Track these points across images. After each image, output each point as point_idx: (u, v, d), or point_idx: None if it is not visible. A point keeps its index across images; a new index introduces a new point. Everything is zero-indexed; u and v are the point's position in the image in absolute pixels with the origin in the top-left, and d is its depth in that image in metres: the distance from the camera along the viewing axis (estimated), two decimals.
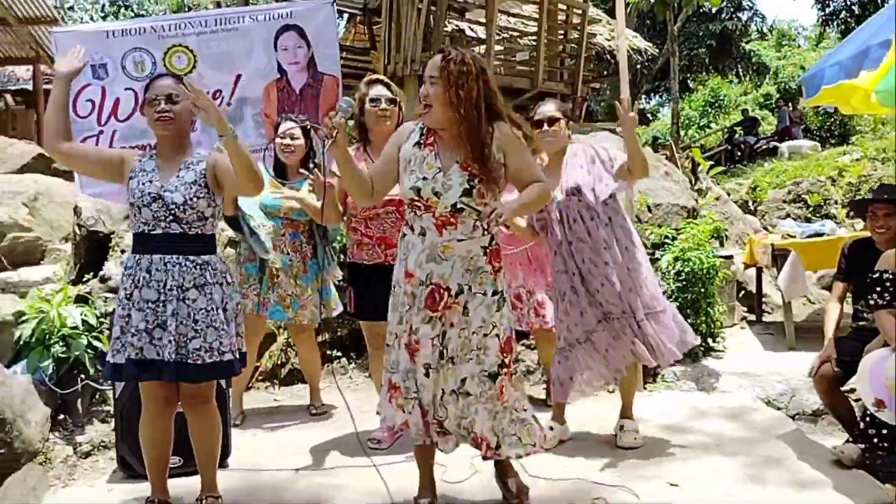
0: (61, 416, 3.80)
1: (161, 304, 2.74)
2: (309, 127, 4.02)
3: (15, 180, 6.24)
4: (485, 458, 2.86)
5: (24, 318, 3.86)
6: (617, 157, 3.54)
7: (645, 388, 4.58)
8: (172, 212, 2.76)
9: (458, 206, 2.66)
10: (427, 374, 2.73)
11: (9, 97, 15.91)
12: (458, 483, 3.11)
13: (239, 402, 4.25)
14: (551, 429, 3.68)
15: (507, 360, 2.78)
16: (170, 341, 2.72)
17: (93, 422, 3.85)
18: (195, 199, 2.79)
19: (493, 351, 2.75)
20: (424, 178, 2.67)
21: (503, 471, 2.96)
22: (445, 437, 2.81)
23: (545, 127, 3.51)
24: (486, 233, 2.75)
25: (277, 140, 4.11)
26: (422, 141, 2.73)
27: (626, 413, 3.72)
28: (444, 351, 2.74)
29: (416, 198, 2.69)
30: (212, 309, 2.78)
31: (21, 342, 3.82)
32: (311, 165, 3.18)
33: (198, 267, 2.79)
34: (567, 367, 3.58)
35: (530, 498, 3.01)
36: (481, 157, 2.65)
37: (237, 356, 2.86)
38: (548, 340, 4.35)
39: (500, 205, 2.66)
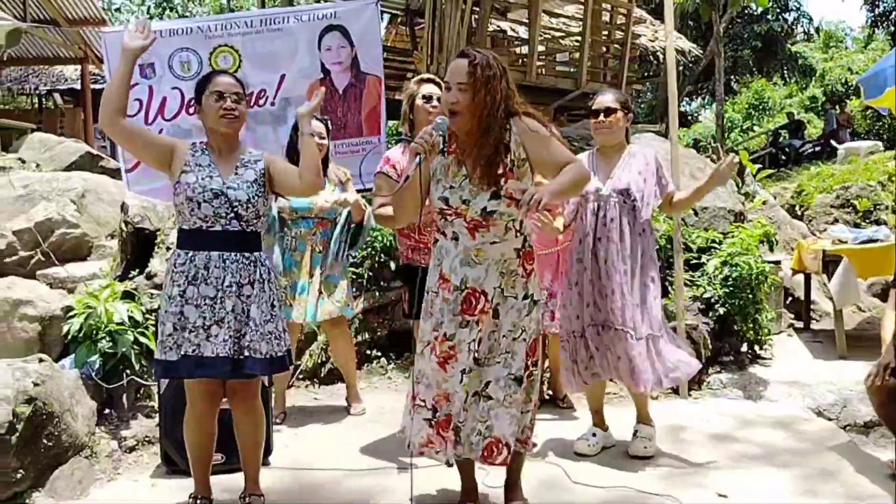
0: (107, 411, 3.85)
1: (219, 301, 2.75)
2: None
3: (63, 178, 6.37)
4: (501, 464, 2.74)
5: (72, 313, 3.92)
6: (670, 179, 3.52)
7: (690, 396, 4.49)
8: (235, 209, 2.78)
9: (488, 209, 2.63)
10: (461, 380, 2.69)
11: (57, 96, 16.29)
12: (499, 488, 3.05)
13: (282, 401, 4.27)
14: (594, 435, 3.62)
15: (530, 365, 2.75)
16: (228, 338, 2.73)
17: (137, 417, 3.89)
18: (257, 198, 2.82)
19: (520, 355, 2.72)
20: (451, 188, 2.64)
21: (513, 493, 2.88)
22: (455, 445, 2.72)
23: (601, 117, 3.43)
24: (518, 234, 2.71)
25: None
26: (445, 148, 2.66)
27: (641, 418, 3.60)
28: (478, 357, 2.71)
29: (446, 207, 2.66)
30: (265, 305, 2.80)
31: (69, 337, 3.87)
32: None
33: (252, 264, 2.81)
34: (569, 361, 3.51)
35: None
36: (494, 161, 2.60)
37: (287, 350, 2.87)
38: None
39: (535, 189, 2.54)
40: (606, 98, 3.47)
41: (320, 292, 4.04)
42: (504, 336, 2.70)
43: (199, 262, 2.76)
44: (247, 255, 2.81)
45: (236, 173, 2.83)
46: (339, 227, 4.10)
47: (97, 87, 12.19)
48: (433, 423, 2.71)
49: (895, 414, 3.58)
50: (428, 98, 3.60)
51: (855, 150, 13.59)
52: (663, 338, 3.44)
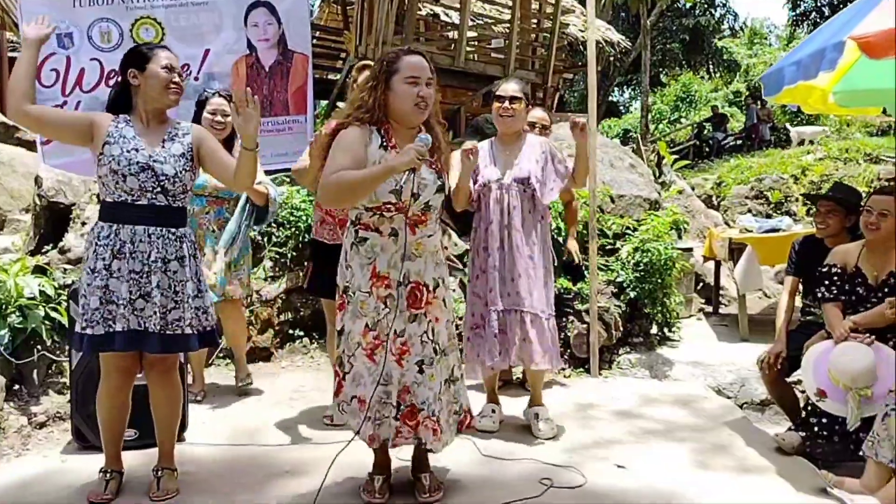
0: (16, 387, 3.78)
1: (145, 276, 2.74)
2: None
3: None
4: (468, 426, 3.02)
5: None
6: (569, 161, 3.64)
7: (600, 374, 4.68)
8: (161, 183, 2.76)
9: (430, 203, 2.74)
10: (422, 371, 2.76)
11: None
12: (408, 461, 3.12)
13: (201, 380, 4.27)
14: (493, 412, 3.75)
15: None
16: (154, 312, 2.74)
17: (48, 393, 3.84)
18: (184, 173, 2.80)
19: (454, 334, 2.94)
20: (405, 183, 2.65)
21: (420, 464, 2.97)
22: (440, 435, 2.80)
23: (506, 104, 3.54)
24: (439, 226, 2.89)
25: (207, 115, 3.98)
26: (385, 144, 2.71)
27: (537, 401, 3.73)
28: (437, 345, 2.79)
29: (394, 201, 2.68)
30: (191, 280, 2.81)
31: None
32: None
33: (178, 239, 2.81)
34: (476, 347, 3.60)
35: (481, 476, 3.08)
36: (439, 147, 2.80)
37: (207, 328, 2.89)
38: None
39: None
40: (511, 86, 3.59)
41: (222, 271, 3.98)
42: (451, 322, 2.87)
43: (125, 236, 2.74)
44: (172, 230, 2.80)
45: (163, 146, 2.80)
46: (239, 209, 4.01)
47: (14, 55, 11.68)
48: (398, 416, 2.77)
49: (784, 394, 3.85)
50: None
51: (805, 134, 14.37)
52: (552, 319, 3.61)
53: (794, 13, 23.53)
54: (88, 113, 2.99)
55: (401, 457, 3.14)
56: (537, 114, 4.27)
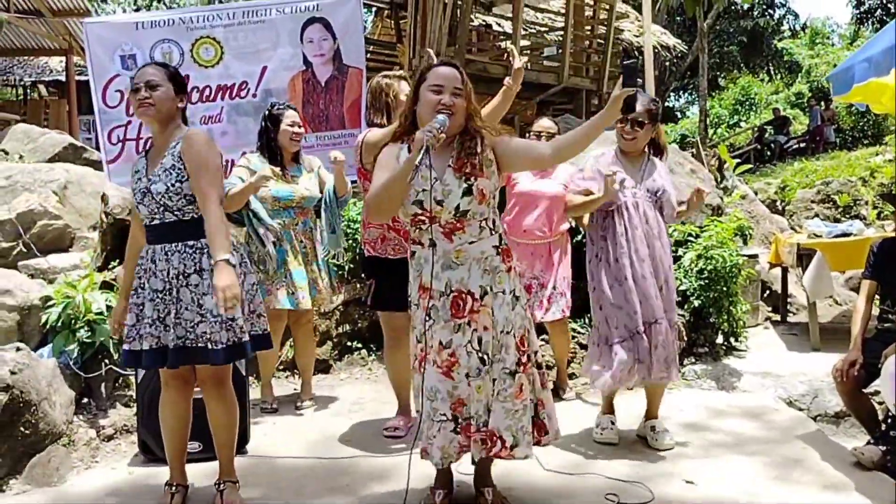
0: (85, 400, 3.88)
1: (167, 293, 2.78)
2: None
3: (46, 169, 6.34)
4: (497, 456, 2.75)
5: (50, 302, 3.94)
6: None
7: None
8: (160, 202, 2.78)
9: (461, 208, 2.67)
10: (469, 384, 2.70)
11: (42, 87, 16.21)
12: (471, 475, 3.07)
13: (269, 390, 4.32)
14: (612, 423, 3.70)
15: (523, 358, 2.76)
16: (176, 327, 2.76)
17: (115, 406, 3.92)
18: (177, 184, 2.76)
19: (511, 349, 2.75)
20: (424, 190, 2.65)
21: (482, 479, 2.92)
22: (495, 440, 2.71)
23: (630, 127, 3.48)
24: (493, 232, 2.76)
25: (287, 128, 4.10)
26: (430, 156, 2.65)
27: (653, 412, 3.69)
28: (486, 356, 2.71)
29: (420, 211, 2.67)
30: (204, 295, 2.76)
31: (48, 326, 3.90)
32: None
33: (197, 251, 2.79)
34: (607, 360, 3.50)
35: (546, 491, 3.01)
36: (470, 152, 2.70)
37: (248, 338, 2.84)
38: (562, 333, 4.37)
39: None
40: (639, 109, 3.45)
41: (309, 281, 4.13)
42: (501, 332, 2.73)
43: (149, 257, 2.82)
44: (190, 242, 2.79)
45: (160, 164, 2.81)
46: (323, 208, 4.15)
47: (81, 78, 12.13)
48: (458, 430, 2.73)
49: (861, 405, 3.68)
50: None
51: None
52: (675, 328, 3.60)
53: (857, 11, 22.83)
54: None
55: (462, 471, 3.11)
56: (544, 123, 4.29)
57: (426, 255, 2.72)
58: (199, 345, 2.77)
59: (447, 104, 2.65)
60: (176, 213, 2.79)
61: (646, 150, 3.63)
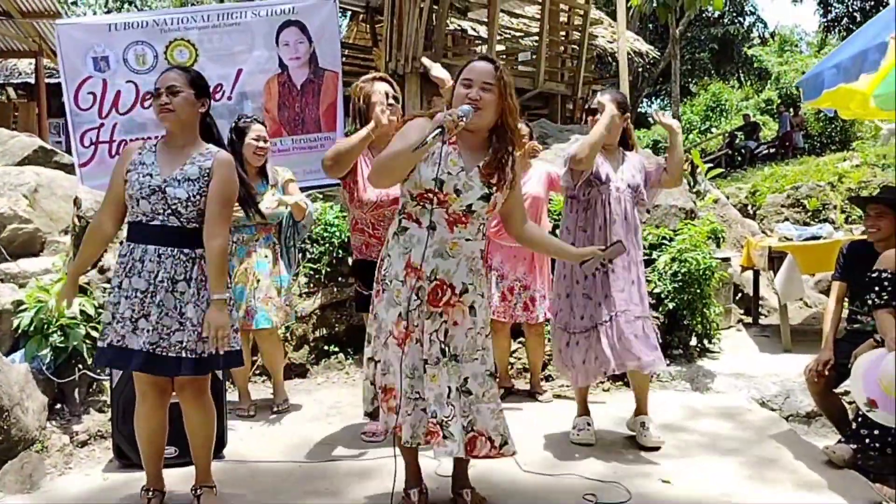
0: (58, 406, 3.82)
1: (149, 295, 2.75)
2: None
3: (16, 172, 6.25)
4: (486, 457, 2.79)
5: (22, 307, 3.88)
6: (654, 164, 3.74)
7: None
8: (173, 206, 2.75)
9: (472, 207, 2.69)
10: (424, 370, 2.72)
11: (11, 90, 15.94)
12: (448, 477, 3.09)
13: (247, 395, 4.30)
14: (588, 424, 3.71)
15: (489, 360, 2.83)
16: (149, 332, 2.72)
17: (89, 411, 3.86)
18: (197, 196, 2.77)
19: (490, 351, 2.81)
20: (449, 174, 2.67)
21: (460, 480, 2.93)
22: (442, 440, 2.68)
23: (595, 117, 3.57)
24: (483, 237, 2.81)
25: (251, 142, 4.08)
26: (445, 139, 2.67)
27: (643, 409, 3.71)
28: (447, 348, 2.73)
29: (436, 190, 2.67)
30: (199, 303, 2.76)
31: (20, 331, 3.84)
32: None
33: (191, 261, 2.78)
34: (577, 351, 3.55)
35: (524, 492, 3.03)
36: (501, 164, 2.71)
37: (213, 353, 2.78)
38: (538, 336, 4.41)
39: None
40: (604, 98, 3.58)
41: (269, 297, 4.07)
42: (479, 333, 2.76)
43: (136, 255, 2.77)
44: (186, 251, 2.78)
45: (181, 169, 2.79)
46: (283, 230, 4.18)
47: (52, 81, 11.96)
48: (412, 407, 2.73)
49: (831, 405, 3.75)
50: (388, 96, 3.59)
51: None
52: (650, 319, 3.60)
53: (824, 19, 23.27)
54: (116, 165, 2.92)
55: (441, 472, 3.12)
56: None
57: (420, 236, 2.71)
58: (171, 354, 2.73)
59: (474, 98, 2.66)
60: (182, 220, 2.77)
61: (619, 148, 3.68)
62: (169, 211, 2.76)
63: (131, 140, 5.14)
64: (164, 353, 2.73)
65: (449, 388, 2.71)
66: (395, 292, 2.74)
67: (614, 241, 3.11)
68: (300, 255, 4.36)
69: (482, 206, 2.70)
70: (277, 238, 4.21)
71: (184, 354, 2.74)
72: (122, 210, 2.88)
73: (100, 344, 2.82)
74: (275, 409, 4.27)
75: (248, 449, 3.66)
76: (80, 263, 2.95)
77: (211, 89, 5.32)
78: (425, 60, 3.93)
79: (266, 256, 4.09)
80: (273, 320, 4.08)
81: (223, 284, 2.74)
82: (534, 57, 9.12)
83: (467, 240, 2.73)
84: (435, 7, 7.21)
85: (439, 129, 2.54)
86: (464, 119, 2.60)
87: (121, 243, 2.89)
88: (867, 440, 3.30)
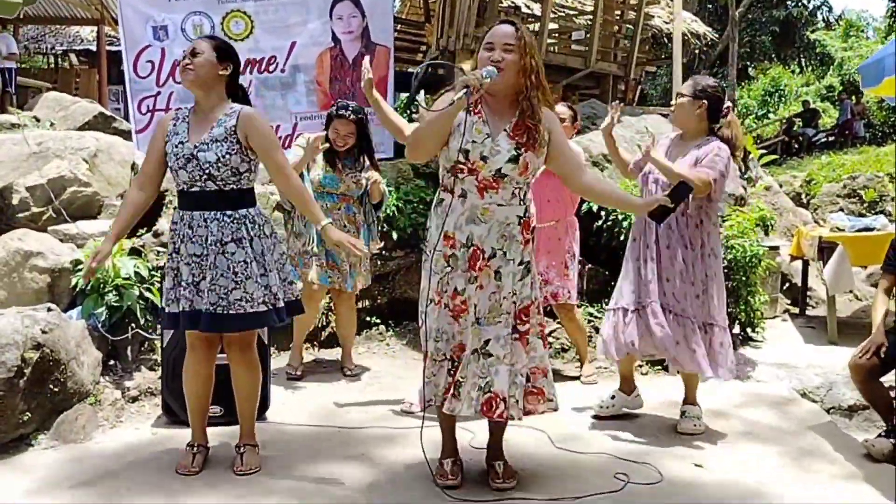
0: (112, 362, 3.98)
1: (203, 258, 2.87)
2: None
3: (76, 137, 6.46)
4: (499, 417, 2.80)
5: (80, 266, 4.04)
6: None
7: (678, 373, 4.57)
8: (206, 170, 2.84)
9: (502, 171, 2.73)
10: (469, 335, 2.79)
11: (73, 57, 16.36)
12: (483, 449, 3.14)
13: (299, 354, 4.44)
14: (612, 398, 3.77)
15: (521, 327, 2.82)
16: (209, 293, 2.85)
17: (140, 369, 4.03)
18: (227, 156, 2.85)
19: (513, 316, 2.82)
20: (474, 142, 2.73)
21: (494, 452, 2.99)
22: (450, 398, 2.79)
23: (672, 102, 3.55)
24: (521, 203, 2.82)
25: (332, 134, 4.18)
26: (469, 108, 2.74)
27: (689, 399, 3.71)
28: (473, 310, 2.80)
29: (463, 160, 2.73)
30: (250, 261, 2.88)
31: (77, 289, 4.01)
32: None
33: (235, 221, 2.89)
34: (615, 326, 3.57)
35: (555, 468, 3.08)
36: (533, 122, 2.74)
37: (274, 306, 2.94)
38: (567, 317, 4.40)
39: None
40: (682, 86, 3.51)
41: (352, 264, 4.26)
42: (505, 297, 2.80)
43: (185, 222, 2.90)
44: (228, 213, 2.88)
45: (209, 133, 2.87)
46: (365, 207, 4.33)
47: (113, 48, 12.24)
48: (452, 372, 2.81)
49: (878, 394, 3.67)
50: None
51: None
52: (725, 331, 3.57)
53: (893, 4, 22.32)
54: (152, 137, 3.04)
55: (475, 445, 3.18)
56: (558, 109, 4.16)
57: (454, 204, 2.78)
58: (231, 311, 2.85)
59: (496, 60, 2.69)
60: (219, 182, 2.87)
61: (699, 133, 3.51)
62: (205, 176, 2.85)
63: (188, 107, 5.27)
64: (224, 312, 2.85)
65: (471, 349, 2.78)
66: (434, 261, 2.81)
67: (677, 185, 3.02)
68: (379, 228, 4.48)
69: (512, 169, 2.73)
70: (359, 210, 4.32)
71: (247, 309, 2.86)
72: (155, 180, 2.99)
73: (169, 308, 2.93)
74: (346, 373, 4.45)
75: (290, 412, 3.78)
76: (117, 231, 3.00)
77: (265, 60, 5.51)
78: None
79: (345, 226, 4.19)
80: (353, 283, 4.27)
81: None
82: (587, 36, 9.01)
83: (499, 205, 2.76)
84: None
85: (465, 90, 2.58)
86: (488, 79, 2.63)
87: (174, 209, 3.01)
88: None
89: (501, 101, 2.79)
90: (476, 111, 2.77)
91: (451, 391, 2.78)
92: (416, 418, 3.61)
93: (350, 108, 4.22)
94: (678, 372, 3.70)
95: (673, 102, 3.58)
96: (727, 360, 3.57)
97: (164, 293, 2.97)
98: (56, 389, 3.38)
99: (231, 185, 2.89)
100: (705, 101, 3.45)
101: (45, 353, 3.32)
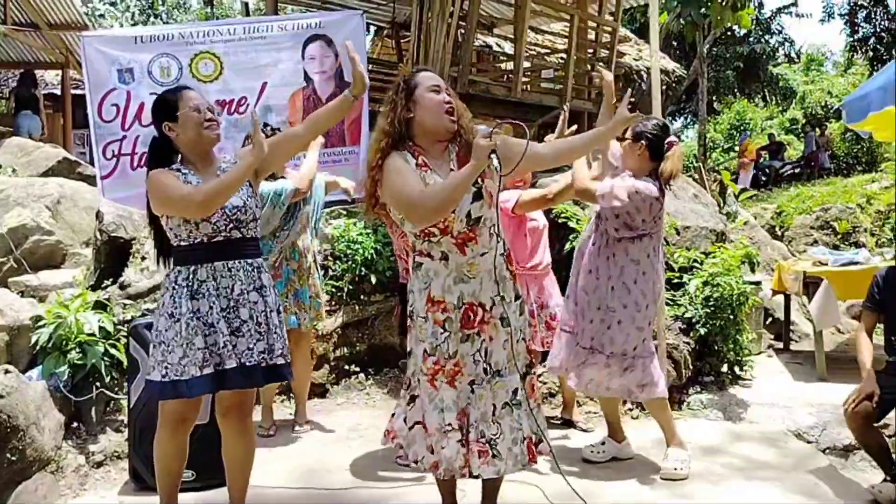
0: (75, 424, 3.75)
1: (233, 311, 2.70)
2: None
3: (39, 183, 6.25)
4: (538, 455, 2.73)
5: (41, 322, 3.82)
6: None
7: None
8: (234, 216, 2.72)
9: (472, 215, 2.59)
10: (473, 391, 2.65)
11: None
12: None
13: (270, 414, 4.22)
14: (602, 444, 3.74)
15: (532, 360, 2.79)
16: (252, 346, 2.70)
17: (106, 431, 3.79)
18: (249, 199, 2.78)
19: (523, 354, 2.75)
20: None
21: (490, 496, 2.83)
22: (491, 459, 2.62)
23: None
24: (499, 238, 2.69)
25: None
26: (417, 164, 2.63)
27: (669, 440, 3.65)
28: (489, 366, 2.66)
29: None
30: (271, 311, 2.77)
31: (38, 347, 3.78)
32: None
33: (255, 270, 2.77)
34: (573, 356, 3.57)
35: None
36: (469, 150, 2.58)
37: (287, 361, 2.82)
38: None
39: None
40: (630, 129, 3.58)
41: (316, 296, 4.11)
42: (518, 340, 2.70)
43: (203, 276, 2.69)
44: (250, 261, 2.77)
45: None
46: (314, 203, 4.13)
47: (77, 92, 12.03)
48: (463, 441, 2.64)
49: (873, 440, 3.57)
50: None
51: None
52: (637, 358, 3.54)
53: (851, 39, 22.96)
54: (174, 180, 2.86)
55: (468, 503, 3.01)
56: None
57: (436, 268, 2.64)
58: (253, 363, 2.70)
59: (448, 101, 2.62)
60: (243, 229, 2.75)
61: (649, 171, 3.54)
62: (231, 225, 2.72)
63: None
64: (250, 364, 2.69)
65: (494, 405, 2.65)
66: (418, 329, 2.68)
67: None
68: (321, 271, 4.31)
69: (480, 207, 2.61)
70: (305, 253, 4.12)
71: (270, 363, 2.72)
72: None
73: (189, 376, 2.61)
74: (295, 429, 4.17)
75: (267, 473, 3.56)
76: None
77: (235, 102, 5.37)
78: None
79: (304, 256, 4.05)
80: (307, 319, 4.08)
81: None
82: (555, 73, 9.05)
83: (482, 254, 2.63)
84: (462, 23, 7.14)
85: (493, 153, 2.49)
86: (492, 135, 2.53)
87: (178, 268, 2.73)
88: None
89: (435, 144, 2.67)
90: (421, 165, 2.62)
91: (488, 454, 2.61)
92: (403, 476, 3.43)
93: (275, 128, 4.14)
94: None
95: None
96: (646, 388, 3.55)
97: (165, 361, 2.63)
98: (14, 458, 3.14)
99: (251, 233, 2.80)
100: (643, 143, 3.53)
101: (2, 419, 3.09)
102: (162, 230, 2.76)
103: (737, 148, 19.63)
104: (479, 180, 2.60)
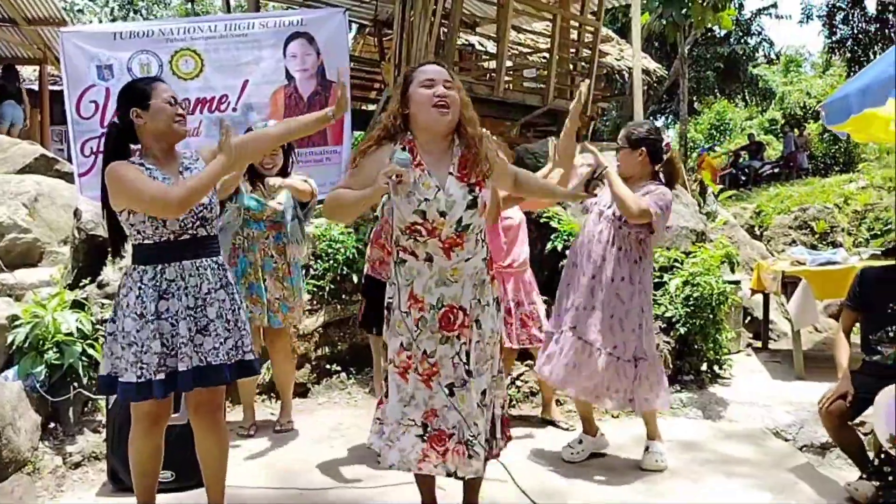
0: (52, 425, 3.70)
1: (200, 310, 2.65)
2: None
3: (16, 181, 6.17)
4: (496, 456, 2.79)
5: (17, 322, 3.77)
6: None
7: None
8: (200, 214, 2.68)
9: (463, 222, 2.59)
10: (452, 394, 2.64)
11: None
12: None
13: (251, 413, 4.19)
14: (580, 442, 3.75)
15: (502, 359, 2.83)
16: (219, 344, 2.66)
17: (84, 431, 3.74)
18: (214, 197, 2.76)
19: (497, 357, 2.77)
20: (427, 200, 2.56)
21: (470, 493, 2.84)
22: (468, 460, 2.62)
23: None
24: (483, 245, 2.71)
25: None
26: (410, 164, 2.57)
27: (651, 434, 3.69)
28: (471, 370, 2.65)
29: (421, 221, 2.57)
30: (237, 308, 2.75)
31: (14, 347, 3.73)
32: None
33: (220, 268, 2.75)
34: (559, 353, 3.56)
35: None
36: (474, 156, 2.62)
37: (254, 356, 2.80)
38: None
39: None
40: (619, 136, 3.63)
41: (279, 298, 3.97)
42: (487, 343, 2.69)
43: (171, 275, 2.63)
44: (214, 258, 2.74)
45: (184, 178, 2.68)
46: (289, 218, 3.98)
47: (55, 88, 11.88)
48: (425, 438, 2.63)
49: (848, 438, 3.61)
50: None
51: None
52: (648, 362, 3.54)
53: (830, 41, 23.23)
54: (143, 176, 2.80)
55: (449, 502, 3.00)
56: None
57: (420, 268, 2.63)
58: (218, 362, 2.64)
59: (442, 95, 2.57)
60: (208, 227, 2.72)
61: (642, 178, 3.57)
62: (198, 222, 2.68)
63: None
64: (213, 363, 2.64)
65: (474, 405, 2.65)
66: (396, 323, 2.67)
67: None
68: (302, 270, 4.22)
69: (472, 215, 2.60)
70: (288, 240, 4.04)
71: (245, 358, 2.70)
72: None
73: (139, 378, 2.56)
74: (277, 427, 4.15)
75: (248, 473, 3.54)
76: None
77: (216, 99, 5.34)
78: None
79: (273, 257, 3.95)
80: (279, 320, 3.99)
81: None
82: (538, 71, 9.06)
83: (467, 259, 2.63)
84: (445, 21, 7.13)
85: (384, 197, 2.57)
86: (406, 166, 2.49)
87: (136, 267, 2.66)
88: (890, 477, 3.18)
89: (439, 141, 2.65)
90: (417, 164, 2.60)
91: (465, 454, 2.61)
92: (385, 476, 3.42)
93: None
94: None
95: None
96: (657, 392, 3.57)
97: (128, 361, 2.59)
98: None
99: (213, 230, 2.76)
100: (643, 148, 3.55)
101: None
102: (118, 225, 2.69)
103: (717, 148, 19.82)
104: (477, 189, 2.61)
